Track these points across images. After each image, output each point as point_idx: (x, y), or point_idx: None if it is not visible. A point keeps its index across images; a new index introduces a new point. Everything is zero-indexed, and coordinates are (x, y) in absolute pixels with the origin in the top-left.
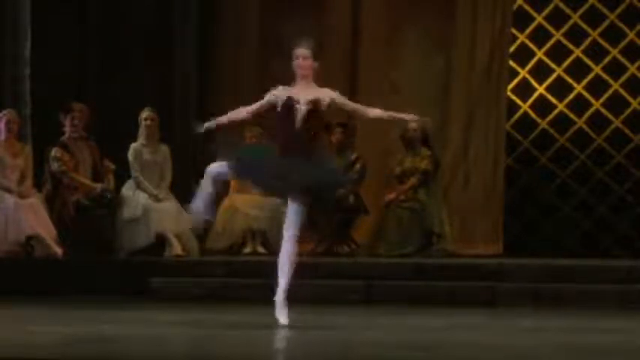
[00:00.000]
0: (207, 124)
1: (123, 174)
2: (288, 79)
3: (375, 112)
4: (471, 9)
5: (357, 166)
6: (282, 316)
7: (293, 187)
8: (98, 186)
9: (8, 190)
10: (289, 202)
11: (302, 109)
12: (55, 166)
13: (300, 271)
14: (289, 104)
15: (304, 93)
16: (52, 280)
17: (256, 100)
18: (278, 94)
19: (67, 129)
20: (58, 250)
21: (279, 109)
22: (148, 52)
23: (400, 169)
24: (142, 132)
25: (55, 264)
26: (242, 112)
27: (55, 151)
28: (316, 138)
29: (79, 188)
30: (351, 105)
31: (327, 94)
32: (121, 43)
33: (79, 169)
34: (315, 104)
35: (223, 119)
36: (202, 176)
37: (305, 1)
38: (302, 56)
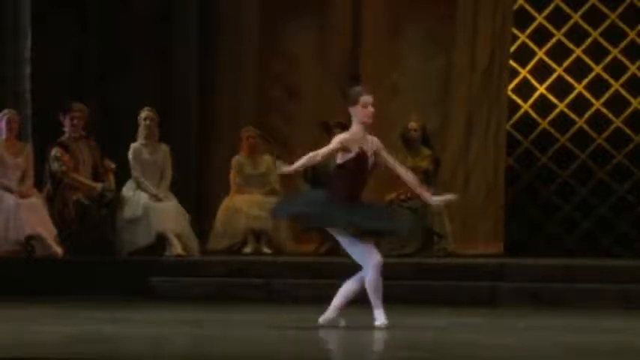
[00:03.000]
0: (284, 169)
1: (123, 173)
2: (288, 80)
3: (402, 172)
4: (471, 9)
5: None
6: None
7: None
8: (98, 185)
9: (9, 190)
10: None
11: (370, 161)
12: (55, 165)
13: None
14: (365, 157)
15: (367, 143)
16: (52, 279)
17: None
18: (349, 144)
19: (67, 129)
20: (59, 250)
21: (352, 157)
22: (147, 52)
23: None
24: (141, 132)
25: (55, 264)
26: (317, 158)
27: (55, 151)
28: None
29: (80, 188)
30: (390, 160)
31: (377, 145)
32: (120, 42)
33: (79, 169)
34: (375, 156)
35: (300, 165)
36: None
37: (306, 0)
38: (371, 104)
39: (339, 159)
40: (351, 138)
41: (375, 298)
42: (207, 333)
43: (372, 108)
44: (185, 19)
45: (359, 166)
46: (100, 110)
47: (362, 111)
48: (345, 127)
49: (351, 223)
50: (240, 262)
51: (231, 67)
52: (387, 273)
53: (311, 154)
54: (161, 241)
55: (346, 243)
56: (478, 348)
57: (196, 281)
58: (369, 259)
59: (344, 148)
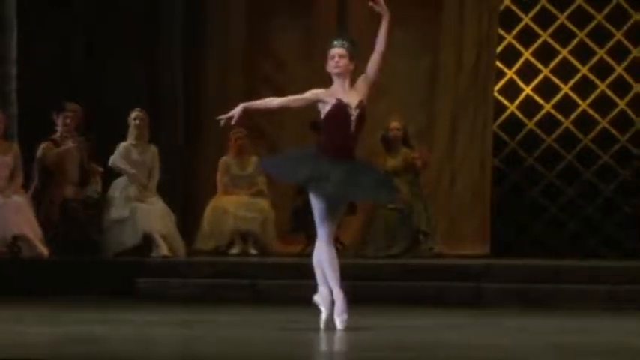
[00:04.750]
0: (234, 111)
1: (110, 175)
2: (275, 81)
3: (378, 48)
4: (457, 10)
5: None
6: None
7: (354, 197)
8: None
9: None
10: (334, 209)
11: (354, 113)
12: (44, 158)
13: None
14: (343, 108)
15: (350, 96)
16: (39, 280)
17: (245, 99)
18: (325, 97)
19: (59, 128)
20: (45, 251)
21: (329, 110)
22: (134, 52)
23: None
24: (131, 132)
25: (42, 264)
26: (273, 102)
27: (46, 145)
28: (359, 137)
29: (67, 185)
30: (372, 71)
31: (362, 91)
32: (107, 43)
33: (68, 169)
34: (361, 108)
35: (255, 105)
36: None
37: (292, 1)
38: (338, 55)
39: (322, 115)
40: (326, 91)
41: (318, 274)
42: (194, 333)
43: (339, 58)
44: (172, 19)
45: (339, 118)
46: (86, 110)
47: (329, 63)
48: None
49: (311, 182)
50: (226, 263)
51: (218, 67)
52: (374, 274)
53: (271, 98)
54: (147, 241)
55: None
56: (465, 348)
57: (183, 282)
58: (319, 232)
59: (318, 99)
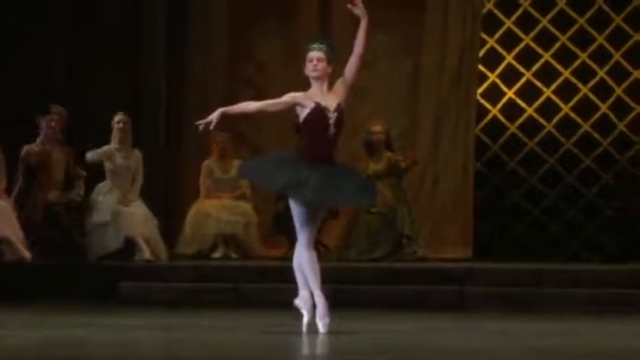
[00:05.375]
0: (212, 116)
1: (93, 180)
2: (257, 86)
3: (357, 46)
4: (440, 13)
5: None
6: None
7: (333, 202)
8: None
9: None
10: (313, 213)
11: (332, 117)
12: (27, 158)
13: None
14: (321, 112)
15: (328, 99)
16: (21, 284)
17: (227, 104)
18: (302, 101)
19: (44, 131)
20: (27, 254)
21: (307, 115)
22: (117, 56)
23: (365, 175)
24: (114, 136)
25: (24, 267)
26: (250, 107)
27: (30, 150)
28: (338, 141)
29: (50, 189)
30: (350, 73)
31: (340, 94)
32: (90, 47)
33: (52, 172)
34: (339, 111)
35: (234, 110)
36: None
37: (274, 5)
38: (316, 58)
39: (300, 118)
40: (304, 94)
41: (299, 277)
42: (176, 337)
43: (317, 62)
44: (154, 24)
45: (317, 122)
46: (70, 114)
47: (307, 66)
48: None
49: (290, 188)
50: (209, 267)
51: (201, 72)
52: (356, 277)
53: (249, 102)
54: (130, 245)
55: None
56: (447, 352)
57: (166, 286)
58: (299, 237)
59: (295, 103)
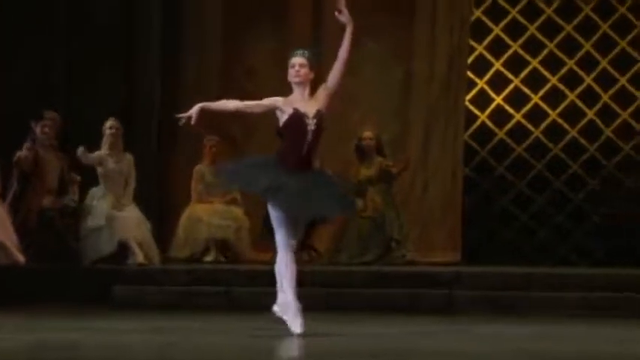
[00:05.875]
0: (191, 111)
1: (87, 185)
2: (249, 86)
3: (340, 59)
4: (429, 21)
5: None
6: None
7: (308, 212)
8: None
9: None
10: (293, 218)
11: (311, 123)
12: (21, 163)
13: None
14: (300, 118)
15: (308, 106)
16: (15, 287)
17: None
18: (282, 105)
19: (38, 136)
20: (22, 258)
21: (286, 120)
22: (111, 61)
23: (356, 181)
24: (105, 141)
25: (19, 271)
26: (230, 105)
27: (25, 155)
28: (318, 147)
29: (45, 194)
30: (333, 79)
31: (321, 100)
32: (84, 52)
33: (47, 177)
34: (318, 118)
35: (212, 106)
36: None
37: (267, 9)
38: (298, 64)
39: (280, 123)
40: (285, 99)
41: (279, 279)
42: (168, 340)
43: (299, 67)
44: (148, 28)
45: (295, 128)
46: (64, 119)
47: (289, 72)
48: None
49: (269, 192)
50: (201, 271)
51: (193, 77)
52: (346, 281)
53: (230, 100)
54: (123, 249)
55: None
56: (437, 355)
57: (159, 289)
58: (277, 239)
59: (275, 107)
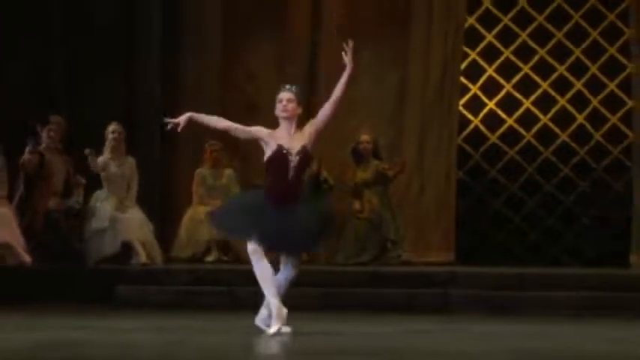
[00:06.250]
0: (180, 119)
1: (91, 187)
2: (249, 89)
3: (334, 97)
4: (424, 28)
5: (324, 175)
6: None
7: (290, 248)
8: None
9: None
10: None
11: (294, 160)
12: (26, 166)
13: None
14: (283, 155)
15: (292, 141)
16: (22, 287)
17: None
18: (266, 138)
19: (44, 140)
20: (28, 259)
21: (269, 155)
22: (112, 65)
23: (353, 184)
24: (107, 145)
25: (25, 272)
26: (220, 123)
27: (30, 158)
28: (303, 182)
29: (50, 196)
30: (322, 117)
31: (307, 136)
32: (85, 57)
33: (52, 180)
34: (302, 155)
35: (201, 119)
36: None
37: (267, 15)
38: (286, 99)
39: (265, 156)
40: (270, 132)
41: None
42: (171, 339)
43: (287, 102)
44: (148, 32)
45: (278, 164)
46: (67, 124)
47: (277, 106)
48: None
49: (252, 237)
50: (204, 270)
51: (193, 80)
52: (343, 281)
53: (221, 118)
54: (127, 250)
55: None
56: (431, 353)
57: (161, 289)
58: (249, 250)
59: (259, 138)
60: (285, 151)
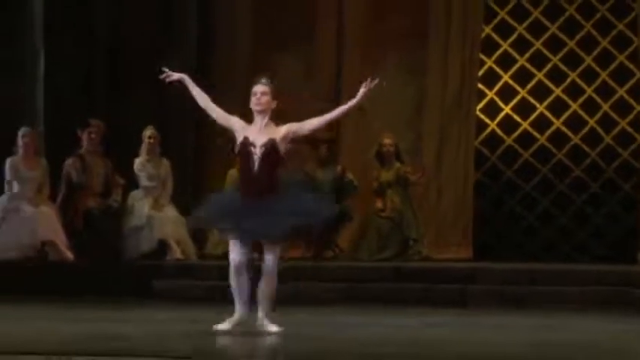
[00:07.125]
0: (176, 75)
1: (129, 187)
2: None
3: (337, 112)
4: (443, 38)
5: (349, 176)
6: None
7: (273, 235)
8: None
9: (26, 200)
10: (266, 245)
11: (257, 152)
12: (73, 174)
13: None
14: (245, 147)
15: (260, 135)
16: (64, 282)
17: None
18: (238, 129)
19: (84, 143)
20: (70, 255)
21: (237, 147)
22: (147, 73)
23: (377, 184)
24: (143, 148)
25: (67, 268)
26: (202, 101)
27: (72, 162)
28: (275, 176)
29: (90, 196)
30: (307, 126)
31: (281, 133)
32: (124, 63)
33: (93, 182)
34: (268, 147)
35: (190, 86)
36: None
37: (295, 33)
38: (260, 92)
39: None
40: (243, 125)
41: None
42: (203, 329)
43: (261, 95)
44: (182, 44)
45: (241, 156)
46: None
47: (251, 99)
48: (331, 142)
49: (227, 230)
50: None
51: (224, 89)
52: (366, 276)
53: (208, 99)
54: (162, 247)
55: None
56: (450, 344)
57: (195, 283)
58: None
59: (230, 127)
60: (249, 143)
